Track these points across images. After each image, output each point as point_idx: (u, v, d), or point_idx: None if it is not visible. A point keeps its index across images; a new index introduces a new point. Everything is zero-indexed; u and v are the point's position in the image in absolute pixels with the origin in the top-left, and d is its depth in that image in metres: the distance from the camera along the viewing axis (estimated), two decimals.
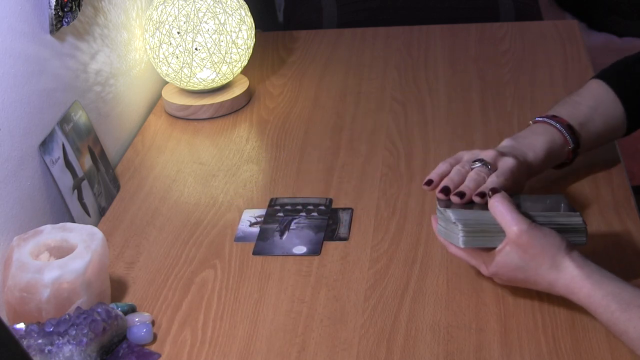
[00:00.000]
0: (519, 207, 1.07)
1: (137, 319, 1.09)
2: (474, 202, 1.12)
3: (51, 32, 1.30)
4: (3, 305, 1.11)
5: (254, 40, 1.64)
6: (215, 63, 1.57)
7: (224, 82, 1.63)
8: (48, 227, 1.13)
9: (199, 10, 1.55)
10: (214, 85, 1.62)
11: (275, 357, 1.05)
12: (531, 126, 1.27)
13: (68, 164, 1.30)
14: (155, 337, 1.09)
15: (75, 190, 1.30)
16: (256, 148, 1.52)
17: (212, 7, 1.55)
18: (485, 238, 1.06)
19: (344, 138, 1.51)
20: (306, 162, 1.45)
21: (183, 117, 1.62)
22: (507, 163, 1.17)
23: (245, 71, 1.68)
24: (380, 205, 1.32)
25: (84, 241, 1.10)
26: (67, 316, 1.03)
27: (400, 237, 1.24)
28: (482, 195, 1.11)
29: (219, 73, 1.59)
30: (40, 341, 1.00)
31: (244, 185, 1.40)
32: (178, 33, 1.55)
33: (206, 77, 1.60)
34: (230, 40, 1.57)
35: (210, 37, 1.55)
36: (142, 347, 1.07)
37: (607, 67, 1.33)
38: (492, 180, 1.14)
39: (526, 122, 1.30)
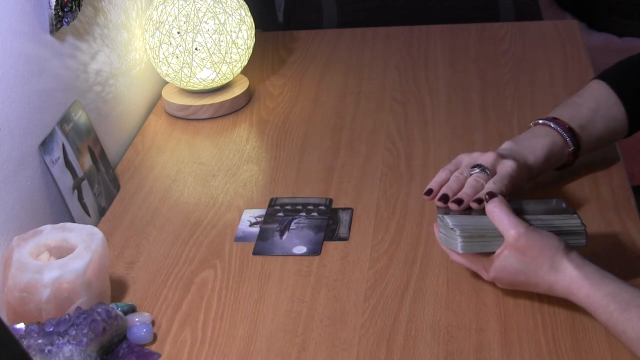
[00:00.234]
0: (518, 211, 1.07)
1: (137, 319, 1.09)
2: (472, 208, 1.12)
3: (51, 32, 1.30)
4: (3, 305, 1.11)
5: (254, 40, 1.64)
6: (215, 63, 1.57)
7: (224, 82, 1.63)
8: (48, 227, 1.13)
9: (199, 10, 1.55)
10: (214, 85, 1.62)
11: (275, 357, 1.05)
12: (532, 128, 1.27)
13: (68, 164, 1.30)
14: (155, 337, 1.09)
15: (75, 190, 1.30)
16: (256, 148, 1.52)
17: (212, 7, 1.55)
18: (483, 243, 1.06)
19: (344, 138, 1.51)
20: (306, 162, 1.45)
21: (183, 117, 1.62)
22: (506, 167, 1.17)
23: (245, 71, 1.68)
24: (380, 205, 1.32)
25: (84, 241, 1.10)
26: (67, 316, 1.03)
27: (400, 237, 1.24)
28: (480, 201, 1.12)
29: (219, 73, 1.59)
30: (40, 341, 1.00)
31: (244, 185, 1.40)
32: (178, 33, 1.55)
33: (206, 77, 1.60)
34: (230, 40, 1.57)
35: (210, 37, 1.55)
36: (142, 347, 1.07)
37: (610, 67, 1.32)
38: (489, 186, 1.14)
39: (526, 122, 1.30)
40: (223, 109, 1.62)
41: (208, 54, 1.56)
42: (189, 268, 1.22)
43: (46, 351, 1.00)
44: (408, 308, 1.11)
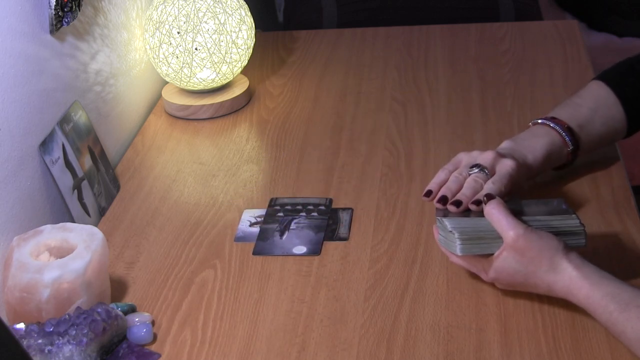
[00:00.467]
0: (517, 212, 1.07)
1: (137, 319, 1.09)
2: (468, 210, 1.12)
3: (51, 32, 1.30)
4: (3, 305, 1.11)
5: (254, 40, 1.64)
6: (215, 63, 1.57)
7: (224, 82, 1.63)
8: (48, 227, 1.13)
9: (199, 10, 1.55)
10: (214, 85, 1.62)
11: (275, 357, 1.05)
12: (531, 128, 1.27)
13: (68, 164, 1.30)
14: (155, 337, 1.09)
15: (75, 190, 1.30)
16: (256, 148, 1.52)
17: (212, 7, 1.55)
18: (482, 245, 1.06)
19: (344, 138, 1.51)
20: (306, 162, 1.45)
21: (183, 117, 1.62)
22: (505, 166, 1.17)
23: (245, 71, 1.68)
24: (380, 205, 1.32)
25: (84, 241, 1.10)
26: (67, 316, 1.03)
27: (400, 237, 1.24)
28: (478, 203, 1.12)
29: (219, 73, 1.59)
30: (40, 341, 1.00)
31: (244, 185, 1.40)
32: (178, 33, 1.55)
33: (206, 77, 1.60)
34: (230, 40, 1.57)
35: (210, 37, 1.55)
36: (142, 347, 1.07)
37: (609, 68, 1.32)
38: (488, 187, 1.15)
39: (526, 122, 1.30)
40: (223, 109, 1.62)
41: (208, 54, 1.56)
42: (189, 268, 1.22)
43: (46, 351, 1.00)
44: (408, 308, 1.11)
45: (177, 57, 1.56)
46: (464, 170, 1.18)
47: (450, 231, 1.08)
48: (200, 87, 1.62)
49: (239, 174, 1.44)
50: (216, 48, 1.56)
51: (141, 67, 1.64)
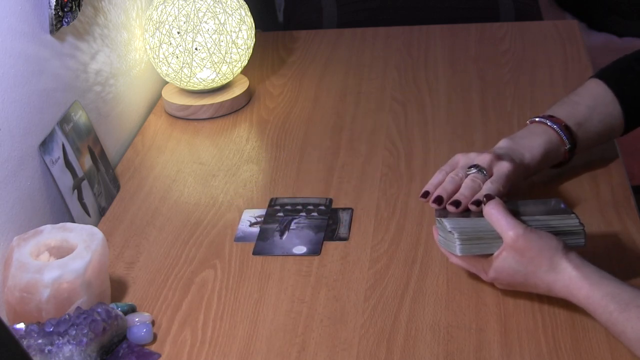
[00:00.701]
0: (516, 212, 1.07)
1: (137, 319, 1.09)
2: (468, 210, 1.12)
3: (51, 32, 1.30)
4: (3, 305, 1.11)
5: (254, 40, 1.64)
6: (215, 63, 1.57)
7: (224, 82, 1.63)
8: (48, 227, 1.13)
9: (199, 10, 1.55)
10: (214, 85, 1.62)
11: (275, 357, 1.05)
12: (528, 126, 1.27)
13: (68, 164, 1.30)
14: (155, 337, 1.09)
15: (75, 190, 1.30)
16: (256, 148, 1.52)
17: (212, 7, 1.55)
18: (482, 245, 1.06)
19: (344, 138, 1.51)
20: (306, 162, 1.45)
21: (183, 117, 1.62)
22: (503, 168, 1.18)
23: (245, 71, 1.68)
24: (380, 205, 1.32)
25: (84, 241, 1.10)
26: (67, 316, 1.03)
27: (400, 237, 1.24)
28: (477, 203, 1.12)
29: (219, 73, 1.59)
30: (40, 341, 1.00)
31: (244, 185, 1.40)
32: (178, 33, 1.55)
33: (206, 77, 1.60)
34: (230, 40, 1.57)
35: (210, 37, 1.55)
36: (142, 347, 1.07)
37: (607, 66, 1.33)
38: (487, 187, 1.15)
39: (526, 123, 1.30)
40: (223, 109, 1.62)
41: (208, 54, 1.56)
42: (189, 268, 1.22)
43: (46, 351, 1.00)
44: (408, 308, 1.11)
45: (177, 57, 1.56)
46: (461, 171, 1.19)
47: (450, 231, 1.08)
48: (200, 87, 1.62)
49: (239, 174, 1.44)
50: (216, 48, 1.56)
51: (141, 67, 1.64)
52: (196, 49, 1.55)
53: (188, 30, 1.54)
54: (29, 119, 1.23)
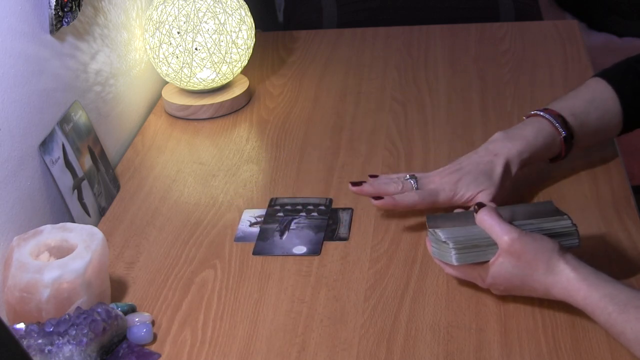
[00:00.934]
0: (508, 217, 1.07)
1: (137, 319, 1.09)
2: (461, 219, 1.11)
3: (51, 32, 1.30)
4: (3, 305, 1.11)
5: (254, 40, 1.64)
6: (215, 63, 1.57)
7: (224, 82, 1.63)
8: (48, 227, 1.13)
9: (199, 10, 1.55)
10: (214, 85, 1.62)
11: (275, 357, 1.05)
12: (524, 120, 1.29)
13: (68, 164, 1.30)
14: (155, 337, 1.09)
15: (75, 190, 1.30)
16: (256, 148, 1.52)
17: (212, 7, 1.55)
18: (477, 253, 1.06)
19: (344, 138, 1.51)
20: (306, 162, 1.45)
21: (183, 117, 1.62)
22: (483, 195, 1.22)
23: (245, 71, 1.68)
24: None
25: (84, 241, 1.10)
26: (67, 316, 1.03)
27: (400, 237, 1.24)
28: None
29: (219, 73, 1.59)
30: (40, 341, 1.00)
31: (244, 185, 1.40)
32: (178, 33, 1.55)
33: (206, 77, 1.60)
34: (230, 40, 1.57)
35: (210, 37, 1.55)
36: (142, 347, 1.07)
37: (609, 67, 1.33)
38: (479, 196, 1.19)
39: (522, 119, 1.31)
40: (223, 109, 1.62)
41: (208, 54, 1.56)
42: (189, 268, 1.22)
43: (46, 351, 1.00)
44: (408, 308, 1.11)
45: (177, 57, 1.56)
46: (401, 178, 1.26)
47: (444, 241, 1.08)
48: (200, 87, 1.62)
49: (239, 174, 1.44)
50: (216, 48, 1.56)
51: (141, 67, 1.64)
52: (196, 49, 1.55)
53: (188, 30, 1.54)
54: (29, 119, 1.23)
